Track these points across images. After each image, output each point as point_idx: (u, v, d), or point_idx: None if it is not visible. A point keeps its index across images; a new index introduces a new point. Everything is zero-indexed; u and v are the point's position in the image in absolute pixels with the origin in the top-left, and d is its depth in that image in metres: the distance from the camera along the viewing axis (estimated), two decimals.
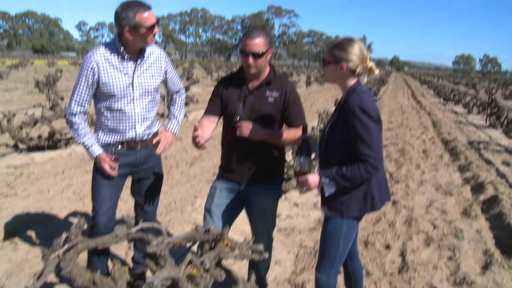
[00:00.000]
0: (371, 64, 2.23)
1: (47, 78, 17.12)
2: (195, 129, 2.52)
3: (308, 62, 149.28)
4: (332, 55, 2.23)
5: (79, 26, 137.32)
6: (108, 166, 2.65)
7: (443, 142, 9.96)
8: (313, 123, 11.37)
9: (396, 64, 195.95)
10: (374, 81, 28.25)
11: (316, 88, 26.90)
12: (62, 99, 12.58)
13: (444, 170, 7.30)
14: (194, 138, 2.51)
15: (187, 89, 16.55)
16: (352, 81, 2.25)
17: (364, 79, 2.28)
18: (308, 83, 28.13)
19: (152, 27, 2.52)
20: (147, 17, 2.48)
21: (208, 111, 2.77)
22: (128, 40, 2.54)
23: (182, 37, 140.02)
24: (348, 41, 2.23)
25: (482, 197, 5.76)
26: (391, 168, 7.21)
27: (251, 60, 2.51)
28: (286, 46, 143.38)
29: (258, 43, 2.50)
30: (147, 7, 2.49)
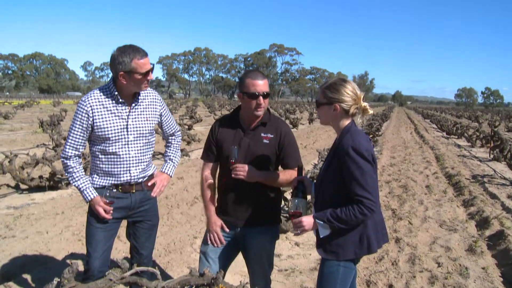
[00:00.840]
0: (364, 104, 2.25)
1: (51, 118, 17.34)
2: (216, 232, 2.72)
3: (311, 98, 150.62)
4: (325, 96, 2.26)
5: (85, 66, 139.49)
6: (103, 209, 2.65)
7: (447, 176, 9.89)
8: (314, 160, 11.36)
9: (398, 99, 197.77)
10: (376, 116, 28.42)
11: (319, 125, 27.03)
12: (65, 139, 12.69)
13: (448, 205, 7.21)
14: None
15: (189, 128, 16.67)
16: (346, 122, 2.26)
17: (358, 120, 2.30)
18: (310, 120, 28.31)
19: (146, 74, 2.57)
20: (143, 63, 2.53)
21: (206, 158, 2.81)
22: (122, 84, 2.59)
23: (186, 76, 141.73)
24: (341, 81, 2.26)
25: (487, 233, 5.65)
26: (394, 205, 7.13)
27: (262, 100, 2.54)
28: (288, 83, 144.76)
29: (265, 83, 2.57)
30: (144, 53, 2.54)
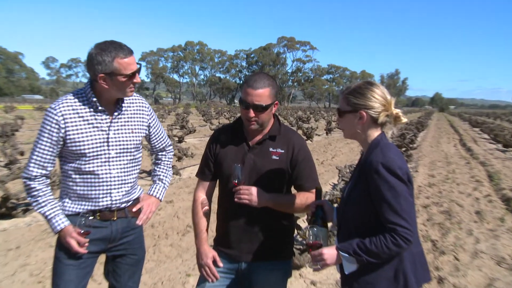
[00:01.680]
0: (396, 111, 2.30)
1: (2, 127, 17.40)
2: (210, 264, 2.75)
3: (329, 104, 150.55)
4: (348, 103, 2.32)
5: (47, 63, 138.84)
6: (76, 242, 2.65)
7: (504, 200, 9.83)
8: (334, 179, 11.37)
9: (438, 103, 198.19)
10: (409, 125, 28.29)
11: (339, 136, 27.05)
12: (22, 154, 12.74)
13: (507, 237, 7.17)
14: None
15: (180, 140, 16.71)
16: (374, 133, 2.32)
17: (390, 131, 2.35)
18: (328, 130, 28.34)
19: (132, 76, 2.62)
20: (127, 63, 2.57)
21: (202, 176, 2.88)
22: (102, 89, 2.64)
23: (175, 76, 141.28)
24: (366, 85, 2.32)
25: None
26: (435, 235, 7.13)
27: (252, 113, 2.60)
28: (301, 85, 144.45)
29: (262, 93, 2.59)
30: (128, 51, 2.59)
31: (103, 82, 2.60)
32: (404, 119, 2.33)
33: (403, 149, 16.69)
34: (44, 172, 2.68)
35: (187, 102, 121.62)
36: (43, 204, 2.67)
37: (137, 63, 2.65)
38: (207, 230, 2.85)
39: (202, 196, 2.87)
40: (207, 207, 2.85)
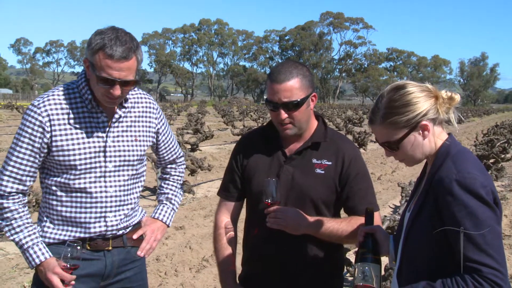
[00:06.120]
0: (446, 93, 2.22)
1: None
2: None
3: None
4: (398, 126, 2.21)
5: (18, 46, 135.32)
6: (59, 279, 2.62)
7: None
8: (395, 200, 11.22)
9: None
10: (500, 127, 27.50)
11: None
12: None
13: None
14: None
15: (193, 149, 16.76)
16: (441, 138, 2.26)
17: (455, 123, 2.25)
18: None
19: (112, 83, 2.53)
20: (107, 66, 2.49)
21: (226, 196, 2.91)
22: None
23: (187, 65, 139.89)
24: (396, 91, 2.23)
25: None
26: None
27: (283, 115, 2.61)
28: (351, 76, 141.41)
29: (291, 87, 2.60)
30: (120, 53, 2.49)
31: (88, 70, 2.60)
32: (457, 96, 2.23)
33: (492, 160, 16.22)
34: (21, 188, 2.68)
35: (202, 98, 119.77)
36: (18, 229, 2.66)
37: (134, 80, 2.60)
38: (234, 263, 2.86)
39: (225, 219, 2.88)
40: (232, 233, 2.87)
